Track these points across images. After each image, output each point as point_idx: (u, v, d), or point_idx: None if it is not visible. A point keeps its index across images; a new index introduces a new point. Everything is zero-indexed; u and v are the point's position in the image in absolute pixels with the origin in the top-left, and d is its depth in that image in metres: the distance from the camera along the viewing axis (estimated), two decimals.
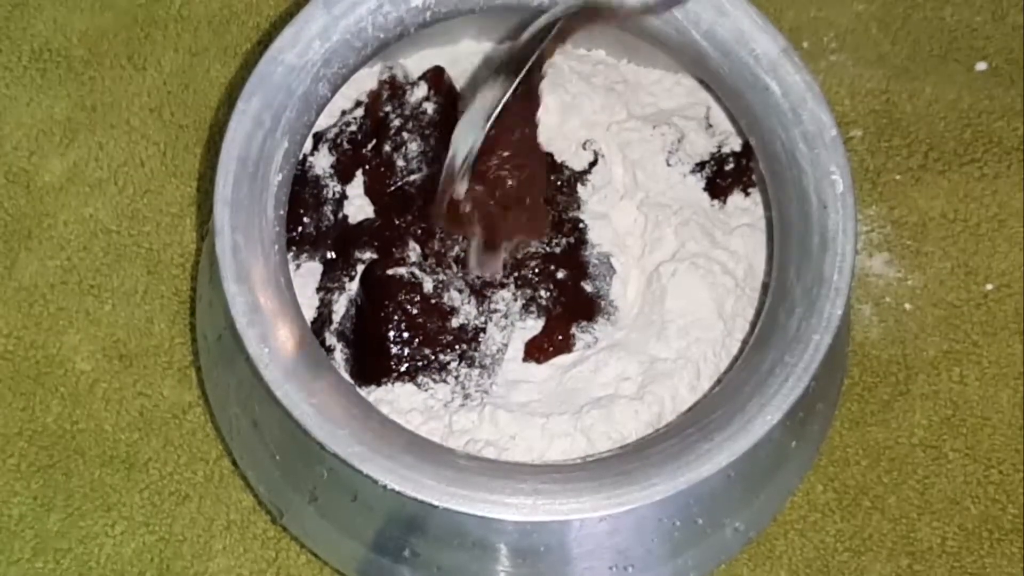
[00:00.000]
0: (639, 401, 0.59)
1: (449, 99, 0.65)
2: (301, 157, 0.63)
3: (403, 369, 0.60)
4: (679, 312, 0.61)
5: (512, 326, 0.62)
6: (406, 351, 0.60)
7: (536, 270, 0.63)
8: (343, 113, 0.65)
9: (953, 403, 0.70)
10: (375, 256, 0.62)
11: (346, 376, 0.61)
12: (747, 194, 0.65)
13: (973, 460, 0.68)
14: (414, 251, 0.62)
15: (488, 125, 0.54)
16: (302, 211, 0.63)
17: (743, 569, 0.66)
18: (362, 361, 0.61)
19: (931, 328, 0.71)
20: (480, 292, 0.62)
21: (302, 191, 0.63)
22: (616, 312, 0.63)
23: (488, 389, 0.61)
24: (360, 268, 0.62)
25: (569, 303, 0.62)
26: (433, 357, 0.61)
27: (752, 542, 0.65)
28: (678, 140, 0.65)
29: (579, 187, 0.65)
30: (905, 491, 0.68)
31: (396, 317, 0.60)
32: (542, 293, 0.62)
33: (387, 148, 0.64)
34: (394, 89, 0.66)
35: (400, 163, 0.64)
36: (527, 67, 0.54)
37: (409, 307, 0.60)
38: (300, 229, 0.63)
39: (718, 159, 0.65)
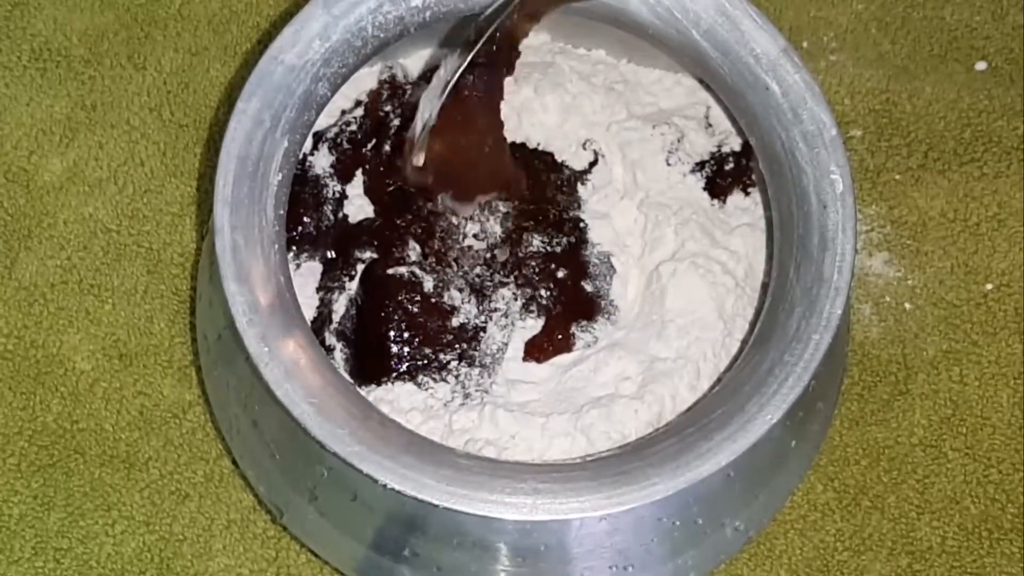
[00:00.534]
0: (639, 401, 0.59)
1: None
2: (301, 157, 0.63)
3: (403, 368, 0.60)
4: (679, 312, 0.61)
5: (512, 325, 0.62)
6: (406, 350, 0.60)
7: (536, 269, 0.63)
8: (343, 113, 0.65)
9: (953, 403, 0.69)
10: (375, 256, 0.62)
11: (346, 375, 0.61)
12: (747, 194, 0.65)
13: (973, 459, 0.68)
14: (414, 250, 0.62)
15: (445, 93, 0.58)
16: (302, 211, 0.63)
17: (743, 569, 0.66)
18: (362, 360, 0.61)
19: (931, 328, 0.71)
20: (480, 291, 0.62)
21: (302, 191, 0.63)
22: (616, 312, 0.63)
23: (488, 388, 0.61)
24: (360, 268, 0.62)
25: (569, 302, 0.62)
26: (433, 356, 0.61)
27: (752, 542, 0.65)
28: (678, 140, 0.65)
29: (579, 187, 0.65)
30: (905, 490, 0.68)
31: (396, 316, 0.60)
32: (542, 292, 0.62)
33: (387, 148, 0.64)
34: (394, 89, 0.66)
35: (400, 163, 0.64)
36: (484, 37, 0.58)
37: (409, 306, 0.60)
38: (300, 229, 0.63)
39: (718, 159, 0.65)
